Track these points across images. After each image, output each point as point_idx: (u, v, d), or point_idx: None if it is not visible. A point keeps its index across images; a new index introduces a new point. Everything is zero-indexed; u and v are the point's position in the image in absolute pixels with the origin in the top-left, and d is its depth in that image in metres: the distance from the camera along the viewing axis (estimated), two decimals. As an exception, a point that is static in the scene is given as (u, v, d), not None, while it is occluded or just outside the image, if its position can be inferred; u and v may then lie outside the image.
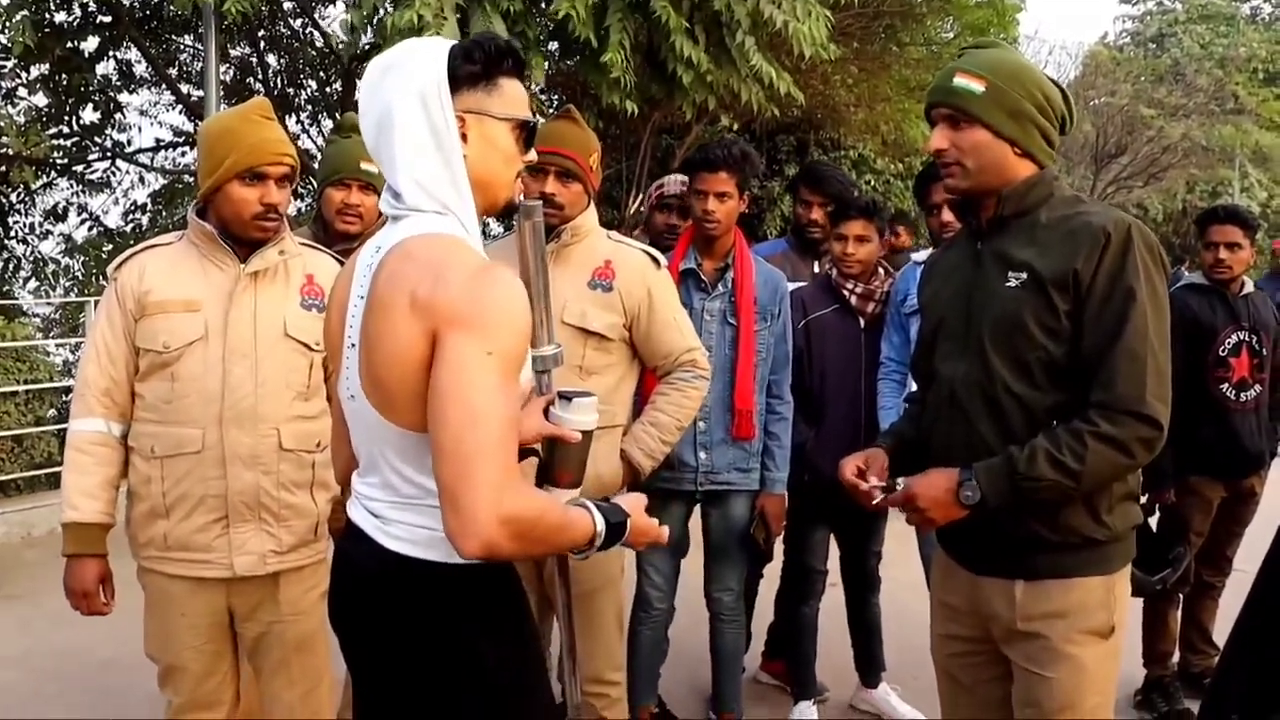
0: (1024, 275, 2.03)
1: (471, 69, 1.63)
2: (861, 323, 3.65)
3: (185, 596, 2.46)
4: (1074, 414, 1.97)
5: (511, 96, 1.68)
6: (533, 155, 1.76)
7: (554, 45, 7.95)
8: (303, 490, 2.49)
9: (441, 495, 1.47)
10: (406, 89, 1.60)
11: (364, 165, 3.07)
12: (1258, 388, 3.84)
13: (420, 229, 1.59)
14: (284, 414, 2.45)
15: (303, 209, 12.09)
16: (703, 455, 3.25)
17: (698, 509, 3.42)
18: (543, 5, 6.65)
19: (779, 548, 3.60)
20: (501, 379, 1.48)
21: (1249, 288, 3.94)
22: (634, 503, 1.74)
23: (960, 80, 2.06)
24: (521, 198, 1.79)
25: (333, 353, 1.77)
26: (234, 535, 2.43)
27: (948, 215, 3.43)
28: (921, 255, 3.73)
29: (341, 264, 2.69)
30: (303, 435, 2.48)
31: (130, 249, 2.54)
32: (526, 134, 1.71)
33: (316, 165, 4.23)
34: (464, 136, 1.63)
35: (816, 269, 3.98)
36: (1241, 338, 3.83)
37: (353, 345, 1.65)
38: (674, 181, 3.87)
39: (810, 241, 4.03)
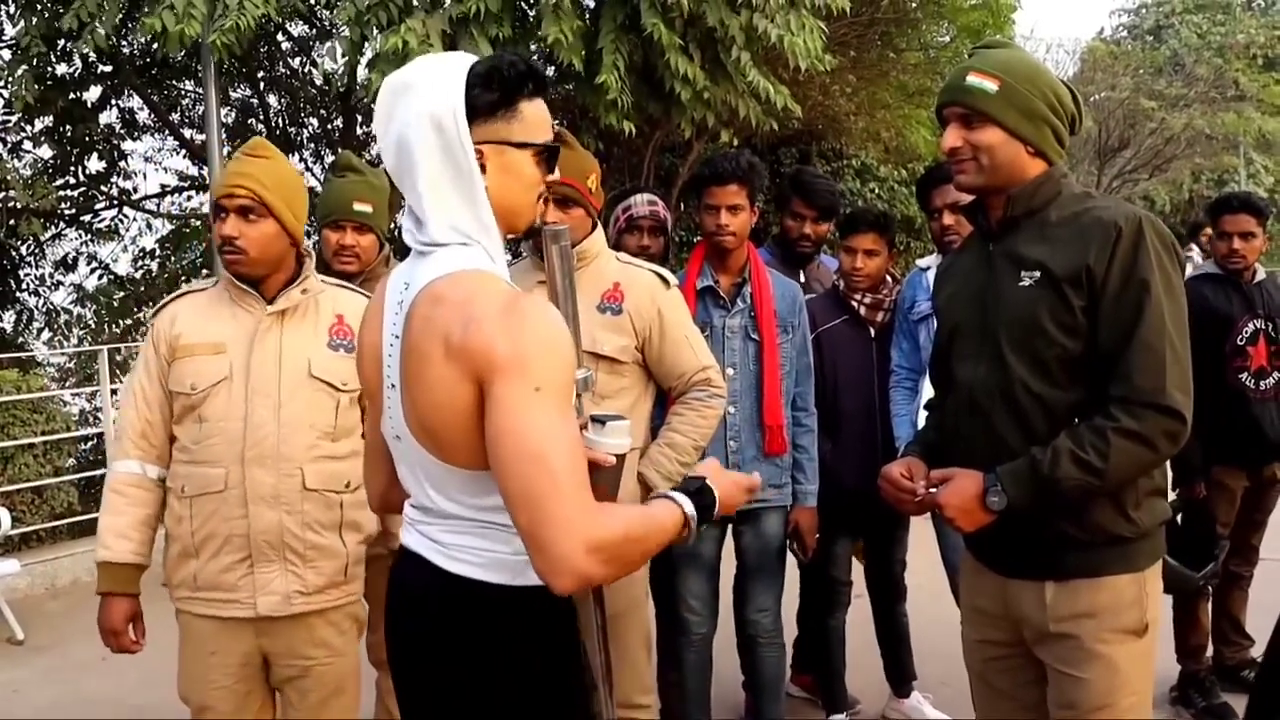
0: (1037, 274, 2.02)
1: (490, 97, 1.58)
2: (872, 332, 3.64)
3: (214, 635, 2.46)
4: (1095, 411, 1.96)
5: (532, 121, 1.63)
6: (555, 175, 1.72)
7: (550, 70, 7.98)
8: (330, 531, 2.47)
9: (523, 539, 1.46)
10: (421, 114, 1.56)
11: (357, 206, 3.07)
12: (1277, 375, 3.81)
13: (446, 268, 1.56)
14: (308, 454, 2.43)
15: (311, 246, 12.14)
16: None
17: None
18: (537, 31, 6.68)
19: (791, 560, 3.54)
20: (556, 411, 1.47)
21: (1261, 274, 3.91)
22: (711, 468, 1.73)
23: (974, 79, 2.06)
24: (545, 223, 1.76)
25: (370, 392, 1.76)
26: (258, 575, 2.42)
27: (949, 219, 3.42)
28: (926, 261, 3.72)
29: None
30: (328, 476, 2.46)
31: (169, 295, 2.59)
32: (548, 157, 1.68)
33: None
34: (482, 167, 1.58)
35: (802, 279, 3.82)
36: (1258, 326, 3.80)
37: (393, 386, 1.63)
38: (641, 202, 3.54)
39: (798, 255, 3.85)
